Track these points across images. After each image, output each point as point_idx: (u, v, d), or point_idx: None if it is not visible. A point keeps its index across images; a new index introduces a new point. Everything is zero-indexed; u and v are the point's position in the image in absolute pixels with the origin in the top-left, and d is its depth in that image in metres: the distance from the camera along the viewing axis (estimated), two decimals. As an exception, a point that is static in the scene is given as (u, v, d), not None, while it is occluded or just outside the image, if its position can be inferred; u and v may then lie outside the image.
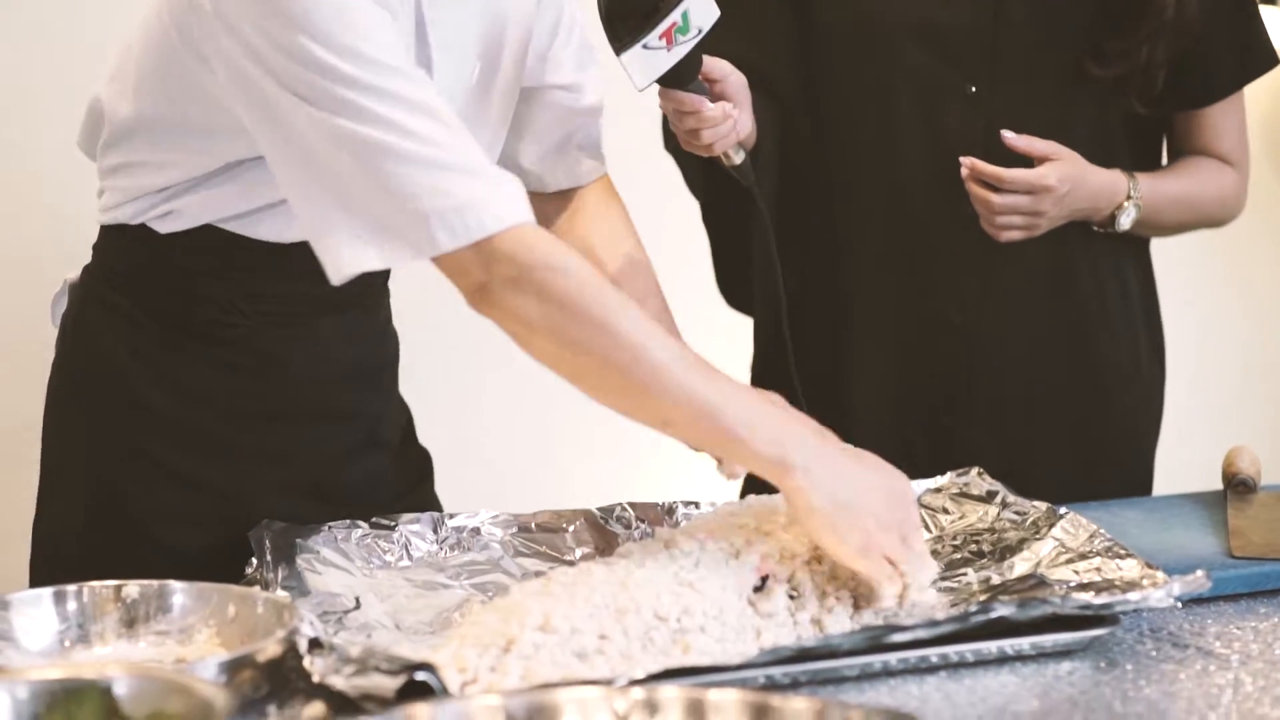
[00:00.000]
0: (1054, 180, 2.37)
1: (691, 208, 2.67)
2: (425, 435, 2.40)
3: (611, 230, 2.29)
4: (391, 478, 2.26)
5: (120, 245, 2.13)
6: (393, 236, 1.86)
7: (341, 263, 1.88)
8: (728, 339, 2.72)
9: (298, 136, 1.88)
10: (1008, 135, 2.38)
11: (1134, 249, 2.57)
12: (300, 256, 2.00)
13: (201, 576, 1.92)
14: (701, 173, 2.55)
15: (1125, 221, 2.46)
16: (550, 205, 2.31)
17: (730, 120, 2.22)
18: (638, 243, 2.30)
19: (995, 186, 2.38)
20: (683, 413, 1.87)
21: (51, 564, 2.16)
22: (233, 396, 2.12)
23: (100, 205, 2.14)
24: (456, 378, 3.58)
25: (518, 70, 2.18)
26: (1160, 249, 2.63)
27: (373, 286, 2.21)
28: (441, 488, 2.40)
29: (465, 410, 3.60)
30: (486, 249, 1.86)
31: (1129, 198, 2.45)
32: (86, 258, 2.20)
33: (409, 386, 2.37)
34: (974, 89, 2.45)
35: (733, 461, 1.99)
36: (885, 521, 1.90)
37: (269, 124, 1.89)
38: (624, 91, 2.17)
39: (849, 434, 2.50)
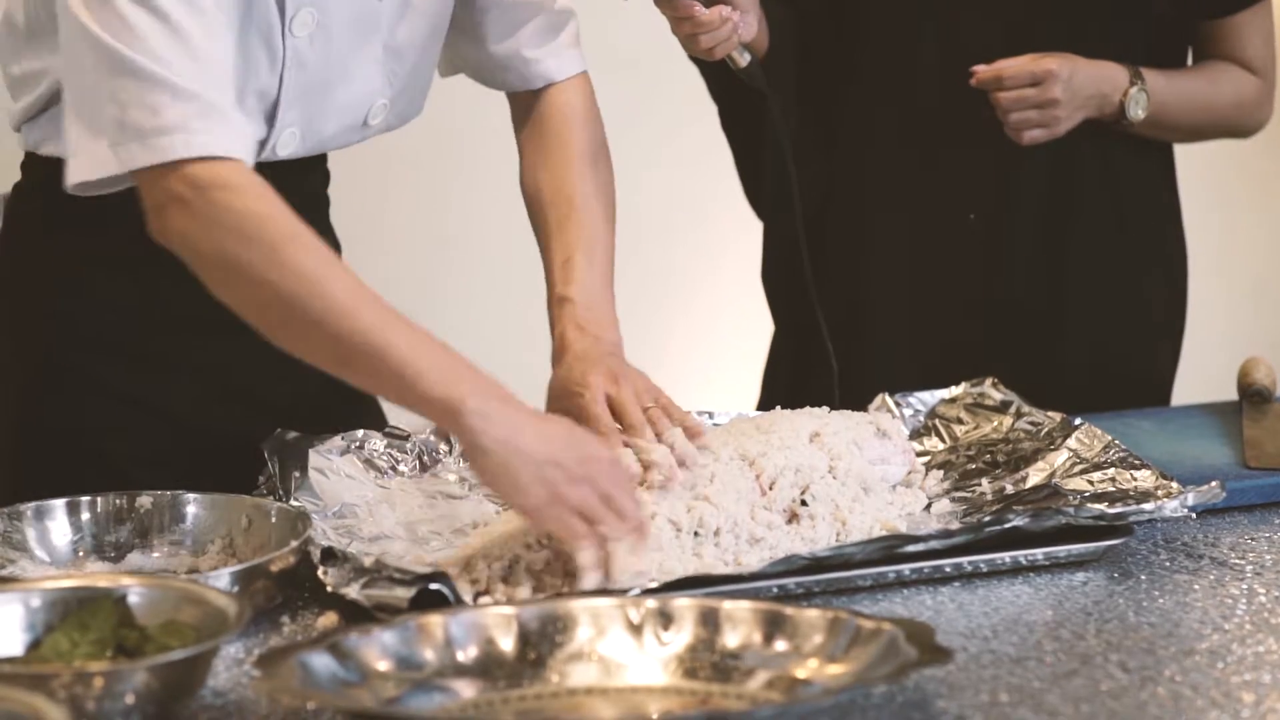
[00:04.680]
0: (1053, 63, 2.36)
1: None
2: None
3: (553, 144, 2.15)
4: (331, 389, 2.08)
5: (37, 166, 2.11)
6: (101, 144, 1.84)
7: (71, 169, 1.87)
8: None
9: (63, 21, 1.87)
10: (979, 68, 2.38)
11: (1155, 155, 2.55)
12: None
13: (134, 488, 1.91)
14: (719, 78, 2.54)
15: (1137, 111, 2.43)
16: (517, 107, 2.21)
17: (729, 24, 2.20)
18: (582, 165, 2.13)
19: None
20: (351, 351, 1.78)
21: None
22: (150, 305, 2.09)
23: (11, 125, 2.13)
24: (432, 288, 3.56)
25: None
26: (1181, 158, 2.61)
27: (300, 194, 2.18)
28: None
29: (434, 319, 3.58)
30: (174, 172, 1.81)
31: (1133, 84, 2.43)
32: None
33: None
34: (993, -8, 2.44)
35: (405, 405, 1.83)
36: (576, 475, 1.75)
37: (59, 11, 1.88)
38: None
39: (867, 340, 2.51)
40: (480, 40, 2.17)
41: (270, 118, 2.00)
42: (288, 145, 2.03)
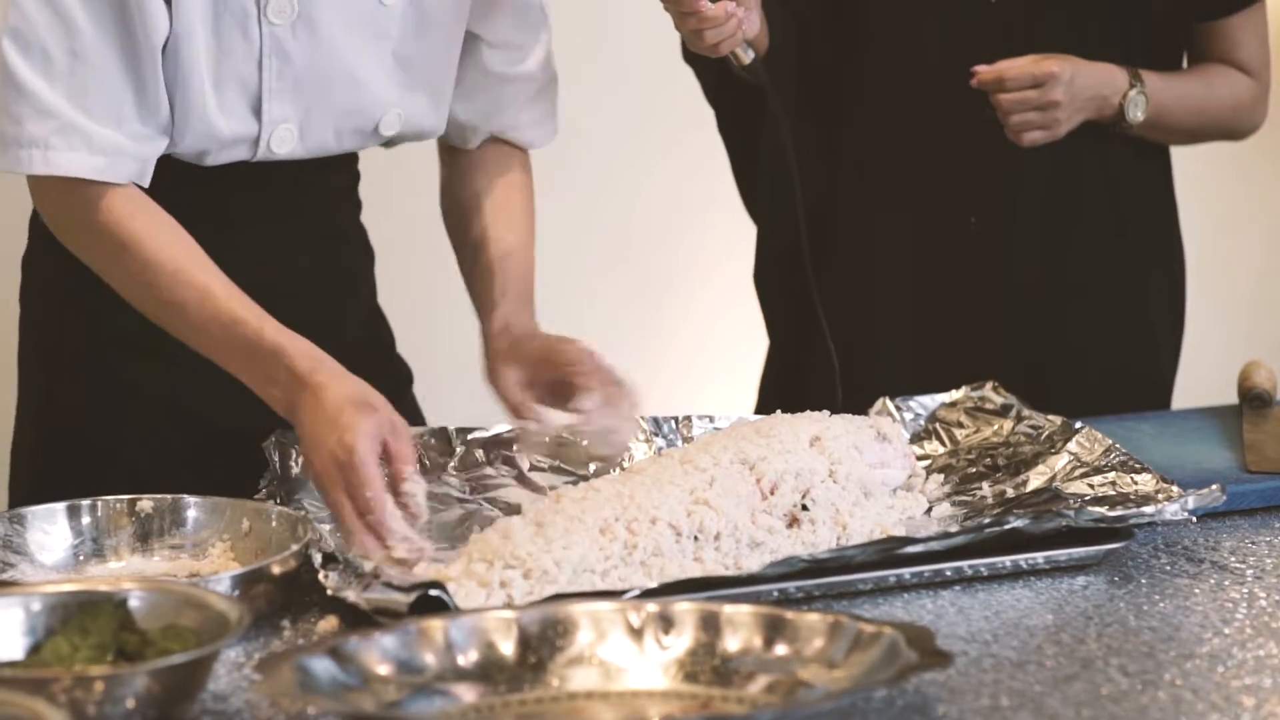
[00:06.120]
0: (1055, 65, 2.37)
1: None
2: (410, 346, 2.37)
3: (517, 211, 2.21)
4: None
5: None
6: None
7: None
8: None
9: None
10: (980, 69, 2.38)
11: (1154, 158, 2.56)
12: (230, 169, 2.02)
13: (158, 489, 1.92)
14: (716, 80, 2.54)
15: (1136, 113, 2.43)
16: (463, 152, 2.24)
17: (734, 19, 2.20)
18: (530, 230, 2.21)
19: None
20: (214, 352, 1.95)
21: (16, 481, 2.17)
22: None
23: None
24: (443, 284, 3.55)
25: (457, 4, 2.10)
26: (1177, 162, 2.61)
27: (319, 195, 2.18)
28: (430, 405, 2.37)
29: (453, 320, 3.56)
30: (39, 183, 1.97)
31: (1132, 86, 2.43)
32: None
33: (390, 296, 2.34)
34: (994, -1, 2.44)
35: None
36: (318, 473, 1.86)
37: None
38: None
39: (869, 343, 2.51)
40: (463, 97, 2.17)
41: (256, 110, 2.00)
42: (284, 143, 2.03)
